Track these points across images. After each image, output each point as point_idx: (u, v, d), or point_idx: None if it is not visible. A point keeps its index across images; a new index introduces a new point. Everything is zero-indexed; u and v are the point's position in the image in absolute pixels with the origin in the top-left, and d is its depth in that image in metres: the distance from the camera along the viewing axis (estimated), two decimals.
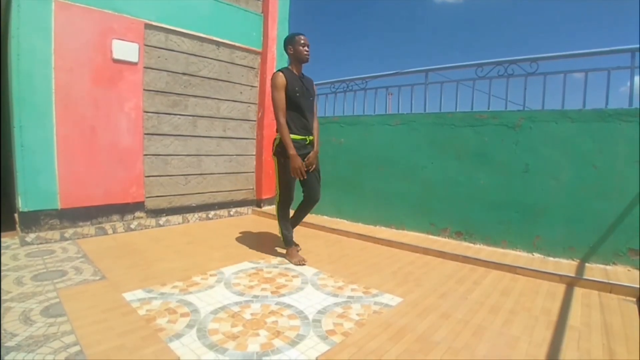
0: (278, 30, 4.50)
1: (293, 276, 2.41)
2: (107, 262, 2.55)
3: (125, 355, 1.45)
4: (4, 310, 1.76)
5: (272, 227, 3.79)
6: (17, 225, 3.00)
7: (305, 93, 2.58)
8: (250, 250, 2.97)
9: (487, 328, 1.75)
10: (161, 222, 3.70)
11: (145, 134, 3.52)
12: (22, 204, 2.85)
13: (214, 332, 1.65)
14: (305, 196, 2.73)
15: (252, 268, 2.54)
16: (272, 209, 4.49)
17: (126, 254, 2.77)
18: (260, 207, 4.52)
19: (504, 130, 2.90)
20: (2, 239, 2.97)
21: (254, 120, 4.52)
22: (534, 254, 2.77)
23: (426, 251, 2.94)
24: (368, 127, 3.72)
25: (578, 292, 2.22)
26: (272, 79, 2.55)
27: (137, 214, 3.54)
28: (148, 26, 3.42)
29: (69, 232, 3.09)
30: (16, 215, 3.03)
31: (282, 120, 2.50)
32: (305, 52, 2.57)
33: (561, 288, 2.27)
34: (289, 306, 1.95)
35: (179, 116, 3.77)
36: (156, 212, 3.68)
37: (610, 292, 2.19)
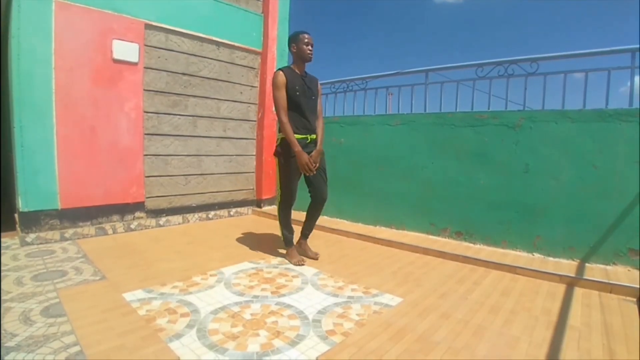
0: (278, 31, 4.50)
1: (293, 276, 2.41)
2: (107, 262, 2.55)
3: (125, 355, 1.45)
4: (4, 310, 1.76)
5: (272, 227, 3.79)
6: (17, 226, 3.00)
7: (306, 92, 2.56)
8: (251, 250, 2.97)
9: (487, 328, 1.75)
10: (161, 222, 3.70)
11: (145, 134, 3.52)
12: (22, 204, 2.85)
13: (214, 332, 1.65)
14: (311, 196, 2.69)
15: (252, 268, 2.54)
16: (272, 209, 4.50)
17: (126, 254, 2.77)
18: (260, 207, 4.52)
19: (504, 130, 2.89)
20: (2, 239, 2.97)
21: (254, 121, 4.53)
22: (534, 254, 2.77)
23: (426, 251, 2.94)
24: (368, 127, 3.72)
25: (578, 292, 2.21)
26: (272, 78, 2.53)
27: (137, 214, 3.54)
28: (148, 26, 3.43)
29: (69, 232, 3.09)
30: (16, 215, 3.03)
31: (284, 119, 2.48)
32: (309, 51, 2.54)
33: (561, 288, 2.27)
34: (289, 306, 1.95)
35: (179, 116, 3.77)
36: (156, 212, 3.68)
37: (610, 292, 2.19)
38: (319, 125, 2.67)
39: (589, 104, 2.65)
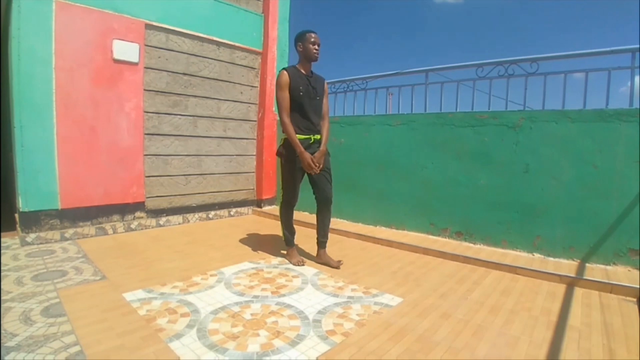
0: (278, 31, 4.51)
1: (293, 276, 2.41)
2: (107, 262, 2.55)
3: (125, 355, 1.45)
4: (4, 310, 1.76)
5: (272, 227, 3.80)
6: (18, 226, 3.00)
7: (310, 93, 2.51)
8: (251, 250, 2.97)
9: (487, 328, 1.75)
10: (161, 222, 3.70)
11: (145, 134, 3.52)
12: (23, 204, 2.85)
13: (214, 332, 1.65)
14: (316, 198, 2.62)
15: (252, 268, 2.54)
16: (272, 209, 4.50)
17: (126, 254, 2.77)
18: (260, 207, 4.52)
19: (504, 131, 2.89)
20: (2, 239, 2.97)
21: (255, 121, 4.53)
22: (534, 254, 2.77)
23: (426, 251, 2.94)
24: (368, 127, 3.72)
25: (578, 292, 2.21)
26: (277, 77, 2.51)
27: (138, 214, 3.54)
28: (148, 26, 3.43)
29: (69, 232, 3.09)
30: (16, 215, 3.03)
31: (286, 120, 2.45)
32: (315, 51, 2.49)
33: (561, 288, 2.27)
34: (289, 306, 1.95)
35: (179, 116, 3.78)
36: (156, 212, 3.68)
37: (610, 292, 2.19)
38: (324, 125, 2.62)
39: (589, 104, 2.65)
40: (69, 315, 1.74)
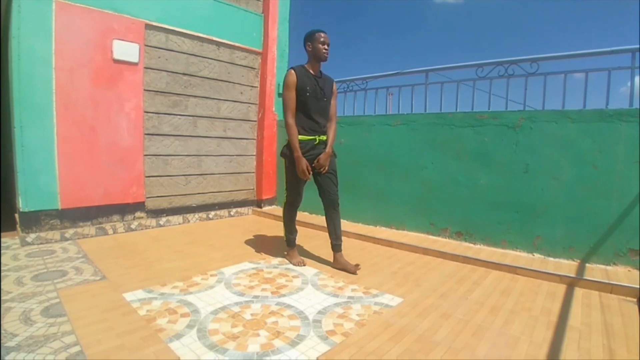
0: (278, 31, 4.51)
1: (293, 276, 2.41)
2: (107, 262, 2.55)
3: (126, 355, 1.45)
4: (4, 310, 1.76)
5: (273, 227, 3.80)
6: (18, 226, 3.00)
7: (318, 94, 2.46)
8: (251, 250, 2.97)
9: (487, 328, 1.75)
10: (161, 222, 3.70)
11: (145, 134, 3.52)
12: (23, 204, 2.85)
13: (214, 333, 1.65)
14: (322, 200, 2.58)
15: (253, 268, 2.54)
16: (272, 209, 4.50)
17: (126, 254, 2.77)
18: (260, 207, 4.52)
19: (504, 131, 2.89)
20: (2, 239, 2.97)
21: (255, 121, 4.53)
22: (534, 254, 2.77)
23: (426, 251, 2.94)
24: (368, 127, 3.72)
25: (578, 292, 2.21)
26: (284, 76, 2.46)
27: (138, 214, 3.54)
28: (148, 26, 3.43)
29: (70, 232, 3.09)
30: (17, 215, 3.04)
31: (290, 121, 2.42)
32: (324, 51, 2.44)
33: (561, 288, 2.27)
34: (289, 306, 1.95)
35: (179, 116, 3.78)
36: (156, 213, 3.68)
37: (610, 293, 2.19)
38: (331, 127, 2.58)
39: (589, 104, 2.65)
40: (69, 315, 1.74)
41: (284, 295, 2.09)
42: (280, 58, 4.56)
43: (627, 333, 1.71)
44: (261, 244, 3.14)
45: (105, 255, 2.69)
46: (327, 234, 2.63)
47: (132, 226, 3.48)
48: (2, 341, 1.49)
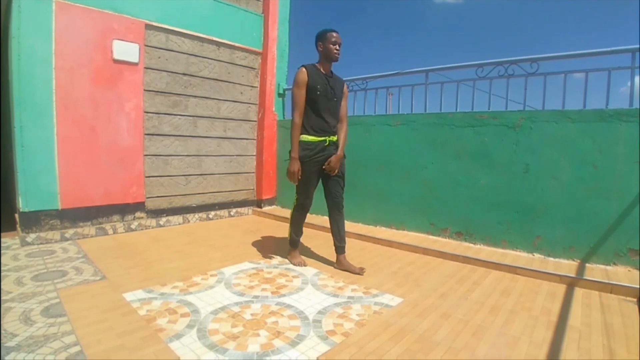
0: (278, 31, 4.51)
1: (293, 276, 2.41)
2: (107, 262, 2.55)
3: (126, 355, 1.45)
4: (4, 310, 1.76)
5: (273, 227, 3.80)
6: (18, 226, 3.00)
7: (328, 93, 2.42)
8: (251, 250, 2.97)
9: (487, 328, 1.75)
10: (161, 223, 3.70)
11: (145, 134, 3.53)
12: (23, 204, 2.85)
13: (214, 333, 1.65)
14: (327, 201, 2.57)
15: (253, 268, 2.54)
16: (272, 209, 4.50)
17: (126, 254, 2.77)
18: (260, 207, 4.52)
19: (504, 131, 2.89)
20: (2, 239, 2.97)
21: (255, 121, 4.53)
22: (534, 254, 2.77)
23: (426, 251, 2.94)
24: (368, 127, 3.72)
25: (578, 292, 2.21)
26: (296, 74, 2.42)
27: (138, 214, 3.54)
28: (148, 26, 3.43)
29: (70, 232, 3.09)
30: (17, 215, 3.04)
31: (297, 120, 2.38)
32: (336, 51, 2.40)
33: (561, 288, 2.27)
34: (289, 306, 1.95)
35: (179, 116, 3.78)
36: (156, 213, 3.68)
37: (610, 293, 2.19)
38: (342, 128, 2.54)
39: (589, 104, 2.65)
40: (69, 315, 1.74)
41: (284, 295, 2.09)
42: (280, 58, 4.56)
43: (627, 333, 1.71)
44: (261, 244, 3.14)
45: (105, 256, 2.69)
46: (327, 233, 2.63)
47: (132, 226, 3.48)
48: (2, 341, 1.49)
